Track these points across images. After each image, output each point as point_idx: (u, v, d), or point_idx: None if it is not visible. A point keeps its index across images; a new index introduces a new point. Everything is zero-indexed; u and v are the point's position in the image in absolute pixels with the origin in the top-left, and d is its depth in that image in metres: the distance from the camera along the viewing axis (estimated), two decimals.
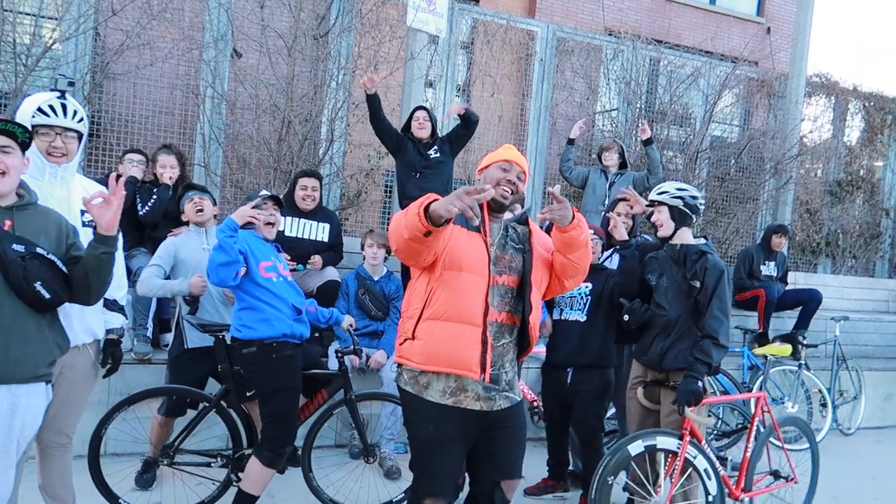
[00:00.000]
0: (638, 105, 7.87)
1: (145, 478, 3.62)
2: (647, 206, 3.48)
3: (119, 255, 2.63)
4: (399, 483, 3.91)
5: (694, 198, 3.34)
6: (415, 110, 5.22)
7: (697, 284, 3.24)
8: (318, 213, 4.83)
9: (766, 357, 4.44)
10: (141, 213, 4.50)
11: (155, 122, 6.17)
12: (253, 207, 3.20)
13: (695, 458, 3.17)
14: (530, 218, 2.67)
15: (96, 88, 5.75)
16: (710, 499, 3.18)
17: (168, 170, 4.57)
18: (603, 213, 4.45)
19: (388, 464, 4.13)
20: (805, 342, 5.97)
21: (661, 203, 3.35)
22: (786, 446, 3.70)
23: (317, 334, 4.20)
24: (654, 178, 5.66)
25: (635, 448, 3.12)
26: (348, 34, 6.28)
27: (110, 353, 2.75)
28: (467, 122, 5.09)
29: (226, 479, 3.33)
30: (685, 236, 3.38)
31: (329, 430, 4.47)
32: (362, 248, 4.60)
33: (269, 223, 3.34)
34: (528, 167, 2.55)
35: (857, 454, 5.58)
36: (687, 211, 3.33)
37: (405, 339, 2.44)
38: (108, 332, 2.74)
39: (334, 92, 6.14)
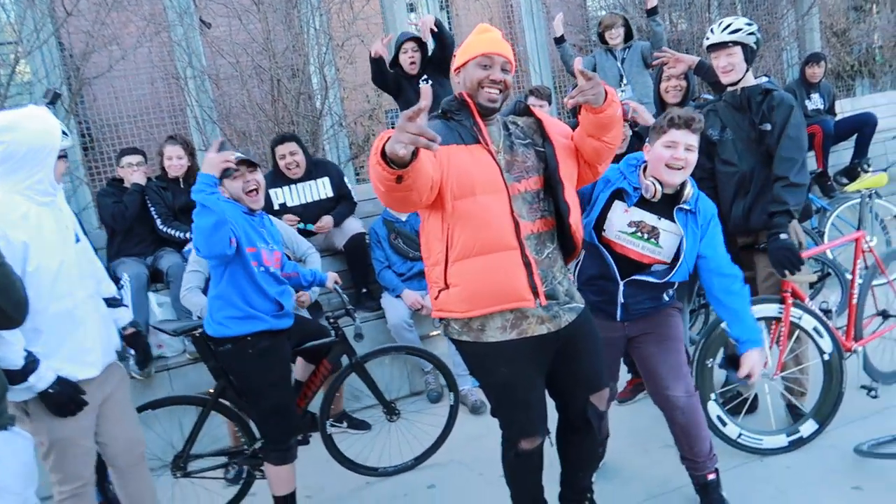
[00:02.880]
0: None
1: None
2: (709, 49, 3.04)
3: (87, 246, 2.43)
4: (485, 418, 3.75)
5: (760, 30, 2.98)
6: (404, 41, 4.81)
7: (768, 127, 2.91)
8: (313, 171, 4.51)
9: (860, 192, 4.08)
10: (161, 226, 4.29)
11: (144, 117, 5.91)
12: (219, 150, 2.65)
13: (800, 318, 2.92)
14: (532, 106, 2.34)
15: (76, 98, 5.48)
16: (826, 357, 2.95)
17: (175, 161, 4.32)
18: (652, 86, 4.04)
19: (471, 400, 3.99)
20: (870, 169, 5.58)
21: (735, 43, 2.95)
22: (893, 282, 3.41)
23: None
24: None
25: None
26: None
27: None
28: (441, 42, 4.69)
29: (247, 475, 3.12)
30: (748, 78, 3.02)
31: (402, 381, 4.35)
32: None
33: (251, 191, 2.81)
34: (512, 53, 2.19)
35: None
36: (755, 48, 2.97)
37: (439, 291, 2.16)
38: (123, 329, 2.58)
39: (315, 38, 5.77)
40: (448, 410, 3.44)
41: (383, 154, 1.74)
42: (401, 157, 1.70)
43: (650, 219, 2.46)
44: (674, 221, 2.44)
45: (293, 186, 4.47)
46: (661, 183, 2.43)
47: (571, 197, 2.18)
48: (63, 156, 3.96)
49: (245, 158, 2.81)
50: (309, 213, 4.44)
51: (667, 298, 2.60)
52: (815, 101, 6.18)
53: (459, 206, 2.07)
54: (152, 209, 4.31)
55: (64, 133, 3.80)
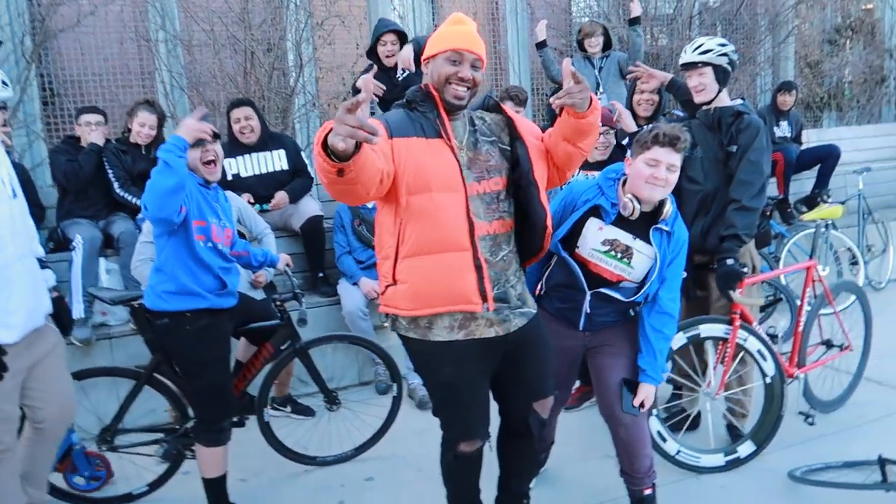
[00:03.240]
0: None
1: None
2: (683, 68, 3.06)
3: (24, 203, 2.28)
4: (430, 414, 3.73)
5: (735, 52, 2.99)
6: (384, 32, 4.67)
7: (734, 149, 2.92)
8: (268, 142, 4.44)
9: (816, 222, 4.16)
10: (117, 190, 4.16)
11: (109, 77, 5.69)
12: (200, 119, 2.56)
13: (745, 340, 2.96)
14: (502, 103, 2.29)
15: (38, 50, 5.27)
16: (768, 380, 3.00)
17: (147, 129, 4.19)
18: (626, 96, 4.06)
19: (419, 395, 3.96)
20: (829, 200, 5.71)
21: (704, 64, 2.96)
22: (839, 313, 3.48)
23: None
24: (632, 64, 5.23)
25: (676, 341, 2.90)
26: None
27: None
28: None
29: (177, 453, 3.01)
30: (723, 98, 3.03)
31: (351, 370, 4.30)
32: None
33: (209, 161, 2.71)
34: (484, 50, 2.09)
35: (893, 307, 5.42)
36: (730, 69, 2.98)
37: (386, 286, 2.12)
38: (50, 291, 2.43)
39: (294, 13, 5.64)
40: (391, 399, 3.40)
41: (325, 146, 1.67)
42: (342, 151, 1.63)
43: (625, 238, 2.40)
44: (649, 242, 2.39)
45: (247, 157, 4.37)
46: (639, 200, 2.38)
47: (545, 199, 2.15)
48: (2, 107, 3.81)
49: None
50: (263, 185, 4.36)
51: (632, 314, 2.58)
52: (783, 129, 6.30)
53: (413, 202, 2.00)
54: (110, 172, 4.18)
55: (3, 83, 3.66)
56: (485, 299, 2.06)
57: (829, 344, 3.50)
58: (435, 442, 2.33)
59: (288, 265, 3.30)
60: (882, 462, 2.60)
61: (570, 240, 2.45)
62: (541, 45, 5.57)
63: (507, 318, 2.13)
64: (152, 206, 2.45)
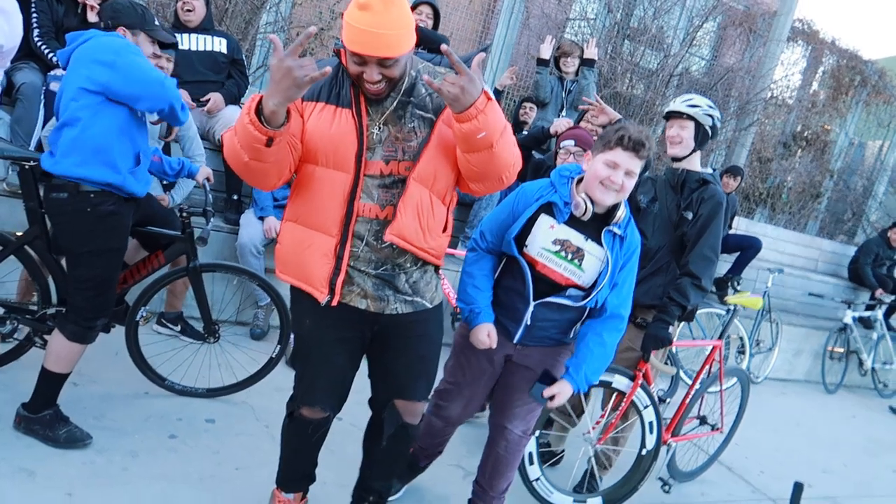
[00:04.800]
0: (618, 15, 7.29)
1: None
2: (666, 116, 2.95)
3: None
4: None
5: (719, 120, 2.91)
6: (420, 3, 4.40)
7: (690, 216, 2.83)
8: (210, 30, 4.26)
9: (734, 306, 4.21)
10: (36, 38, 3.74)
11: None
12: None
13: (646, 407, 2.90)
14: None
15: None
16: (644, 451, 2.94)
17: None
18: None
19: (289, 349, 3.73)
20: (738, 288, 5.88)
21: (689, 117, 2.85)
22: (723, 397, 3.52)
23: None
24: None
25: None
26: None
27: None
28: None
29: (25, 337, 2.74)
30: (693, 161, 2.94)
31: (231, 306, 4.04)
32: None
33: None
34: (398, 41, 1.70)
35: (763, 403, 5.63)
36: (710, 133, 2.89)
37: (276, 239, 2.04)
38: None
39: None
40: (267, 359, 3.18)
41: (258, 112, 1.66)
42: (278, 115, 1.65)
43: (576, 238, 2.25)
44: (601, 244, 2.25)
45: (189, 35, 4.17)
46: (592, 201, 2.24)
47: (413, 201, 1.88)
48: None
49: (166, 41, 2.69)
50: (200, 61, 4.16)
51: (571, 336, 2.42)
52: None
53: (301, 169, 1.90)
54: (34, 17, 3.74)
55: None
56: (332, 292, 1.93)
57: (703, 420, 3.53)
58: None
59: (208, 179, 3.12)
60: None
61: (521, 239, 2.29)
62: (542, 63, 5.45)
63: (385, 298, 1.97)
64: (154, 105, 2.46)
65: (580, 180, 2.30)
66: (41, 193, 2.51)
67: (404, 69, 1.82)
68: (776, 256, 7.96)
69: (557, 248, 2.26)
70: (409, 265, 1.98)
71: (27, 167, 2.51)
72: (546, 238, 2.26)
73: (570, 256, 2.25)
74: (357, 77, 1.79)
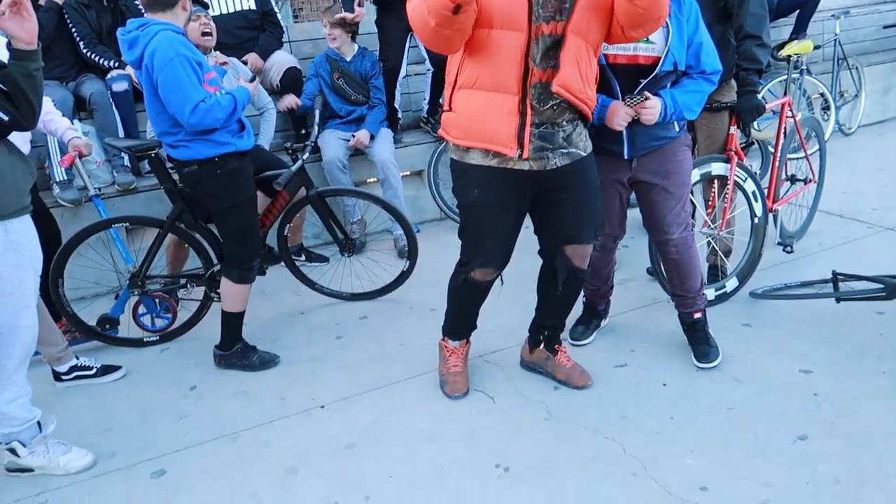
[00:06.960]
0: None
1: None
2: None
3: None
4: (419, 261, 3.90)
5: None
6: None
7: None
8: None
9: (788, 57, 4.09)
10: (83, 49, 4.03)
11: None
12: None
13: (745, 181, 3.03)
14: None
15: None
16: (756, 220, 3.12)
17: None
18: None
19: (399, 245, 4.09)
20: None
21: None
22: (807, 148, 3.59)
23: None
24: None
25: (692, 177, 2.81)
26: None
27: None
28: None
29: (204, 297, 3.23)
30: None
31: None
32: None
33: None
34: None
35: (862, 149, 5.58)
36: None
37: (444, 111, 2.22)
38: None
39: None
40: (399, 272, 3.50)
41: None
42: None
43: None
44: None
45: None
46: None
47: (571, 55, 2.00)
48: None
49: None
50: (230, 25, 4.25)
51: (676, 130, 2.49)
52: None
53: (476, 35, 2.00)
54: (74, 30, 4.03)
55: None
56: (521, 146, 2.08)
57: (793, 179, 3.63)
58: (423, 286, 2.44)
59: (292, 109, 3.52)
60: (835, 276, 2.80)
61: None
62: None
63: (545, 156, 2.14)
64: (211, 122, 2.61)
65: None
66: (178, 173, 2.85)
67: None
68: (838, 1, 7.48)
69: None
70: (565, 123, 2.14)
71: (153, 155, 2.89)
72: None
73: None
74: None
